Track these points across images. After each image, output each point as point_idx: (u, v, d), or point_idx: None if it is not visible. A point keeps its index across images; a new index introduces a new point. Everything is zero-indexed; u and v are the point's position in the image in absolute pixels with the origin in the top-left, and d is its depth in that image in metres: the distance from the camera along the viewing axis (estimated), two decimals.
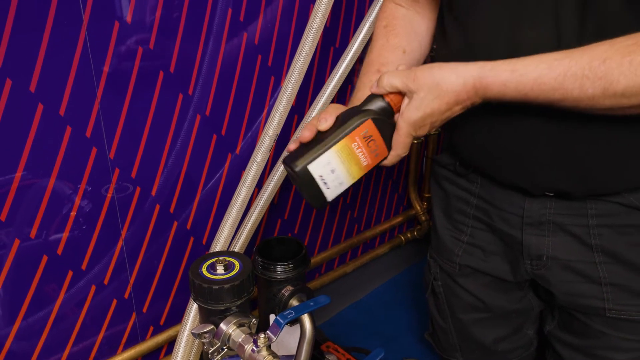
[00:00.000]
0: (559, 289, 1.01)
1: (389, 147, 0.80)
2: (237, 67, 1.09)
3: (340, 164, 0.77)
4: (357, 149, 0.78)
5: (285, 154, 0.81)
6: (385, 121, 0.80)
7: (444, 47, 1.01)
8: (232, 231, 1.05)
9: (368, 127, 0.78)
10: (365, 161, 0.78)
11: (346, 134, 0.77)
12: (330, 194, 0.77)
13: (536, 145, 0.85)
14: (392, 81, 0.79)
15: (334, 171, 0.76)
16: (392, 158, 0.82)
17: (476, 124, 0.93)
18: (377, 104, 0.79)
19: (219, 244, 1.04)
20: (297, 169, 0.75)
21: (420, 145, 1.59)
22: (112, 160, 0.98)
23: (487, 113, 0.88)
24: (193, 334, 0.87)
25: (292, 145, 0.81)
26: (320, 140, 0.77)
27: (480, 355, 1.20)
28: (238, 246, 1.08)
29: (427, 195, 1.70)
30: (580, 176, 0.85)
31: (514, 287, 1.11)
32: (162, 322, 1.17)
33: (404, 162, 1.61)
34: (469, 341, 1.19)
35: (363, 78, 0.96)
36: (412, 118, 0.78)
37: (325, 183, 0.77)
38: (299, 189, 0.78)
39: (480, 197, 1.04)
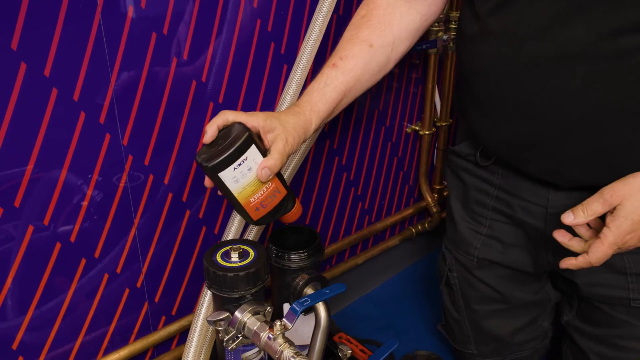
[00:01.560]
0: (582, 280, 1.00)
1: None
2: (250, 54, 1.08)
3: (250, 178, 0.86)
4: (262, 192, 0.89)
5: None
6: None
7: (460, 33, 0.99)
8: (244, 220, 1.03)
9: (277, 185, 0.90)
10: (256, 199, 0.88)
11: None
12: (225, 159, 0.83)
13: (569, 138, 0.84)
14: (592, 208, 0.79)
15: (246, 160, 0.84)
16: (584, 264, 0.82)
17: (503, 114, 0.91)
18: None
19: (230, 233, 1.03)
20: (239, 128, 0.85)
21: (432, 137, 1.58)
22: (126, 147, 0.97)
23: (515, 101, 0.88)
24: (208, 321, 0.86)
25: None
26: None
27: (494, 347, 1.20)
28: (251, 236, 1.07)
29: (437, 187, 1.69)
30: (613, 172, 0.82)
31: (532, 279, 1.10)
32: (173, 312, 1.17)
33: (414, 153, 1.60)
34: (484, 333, 1.18)
35: (317, 77, 0.96)
36: (622, 226, 0.77)
37: (239, 165, 0.84)
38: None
39: (501, 188, 1.02)
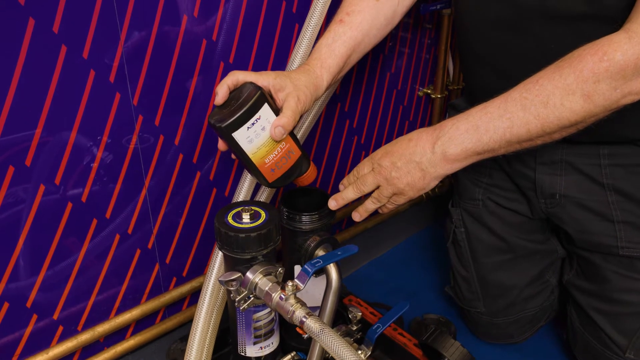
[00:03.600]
0: (573, 227, 1.05)
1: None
2: (261, 14, 1.06)
3: (264, 137, 0.85)
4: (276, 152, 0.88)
5: None
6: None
7: None
8: (254, 182, 1.03)
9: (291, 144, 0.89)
10: (271, 159, 0.88)
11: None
12: (238, 118, 0.82)
13: None
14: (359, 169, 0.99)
15: (259, 119, 0.83)
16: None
17: (486, 69, 0.99)
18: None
19: (241, 195, 1.02)
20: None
21: (444, 100, 1.56)
22: (136, 107, 0.96)
23: (496, 58, 0.96)
24: (220, 281, 0.86)
25: None
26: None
27: (502, 304, 1.21)
28: (263, 198, 1.07)
29: None
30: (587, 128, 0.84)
31: (535, 228, 1.16)
32: (184, 274, 1.17)
33: (426, 116, 1.59)
34: (491, 287, 1.20)
35: (325, 33, 0.98)
36: (376, 153, 0.97)
37: (253, 125, 0.83)
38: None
39: None
